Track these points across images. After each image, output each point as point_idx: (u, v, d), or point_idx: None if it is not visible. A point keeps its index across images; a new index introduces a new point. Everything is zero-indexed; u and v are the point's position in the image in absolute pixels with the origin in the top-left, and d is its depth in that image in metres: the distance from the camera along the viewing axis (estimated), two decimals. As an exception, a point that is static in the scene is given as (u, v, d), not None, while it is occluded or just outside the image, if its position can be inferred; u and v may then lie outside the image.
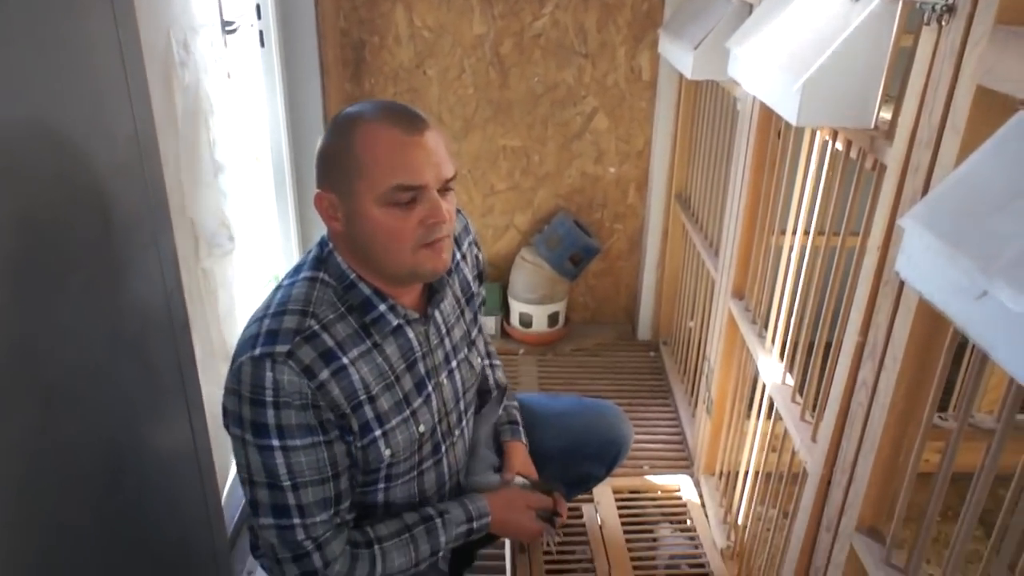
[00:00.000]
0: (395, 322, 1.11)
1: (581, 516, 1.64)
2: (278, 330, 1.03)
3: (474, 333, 1.29)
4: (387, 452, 1.10)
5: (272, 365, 1.00)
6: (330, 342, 1.05)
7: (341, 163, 1.04)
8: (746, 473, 1.66)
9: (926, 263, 0.72)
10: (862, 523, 1.11)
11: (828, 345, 1.27)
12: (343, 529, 1.10)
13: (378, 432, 1.09)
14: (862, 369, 1.10)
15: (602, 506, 1.65)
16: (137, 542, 1.18)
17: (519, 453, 1.36)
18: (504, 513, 1.24)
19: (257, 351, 1.02)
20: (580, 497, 1.69)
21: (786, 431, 1.41)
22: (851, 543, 1.13)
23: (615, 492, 1.70)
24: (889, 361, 1.03)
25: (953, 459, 0.92)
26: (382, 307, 1.10)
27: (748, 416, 1.69)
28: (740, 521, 1.67)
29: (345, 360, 1.05)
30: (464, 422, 1.27)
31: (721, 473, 1.91)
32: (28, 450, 0.89)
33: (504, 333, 2.69)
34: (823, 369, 1.28)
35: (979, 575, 0.89)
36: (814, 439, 1.29)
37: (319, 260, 1.11)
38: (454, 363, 1.22)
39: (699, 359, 2.17)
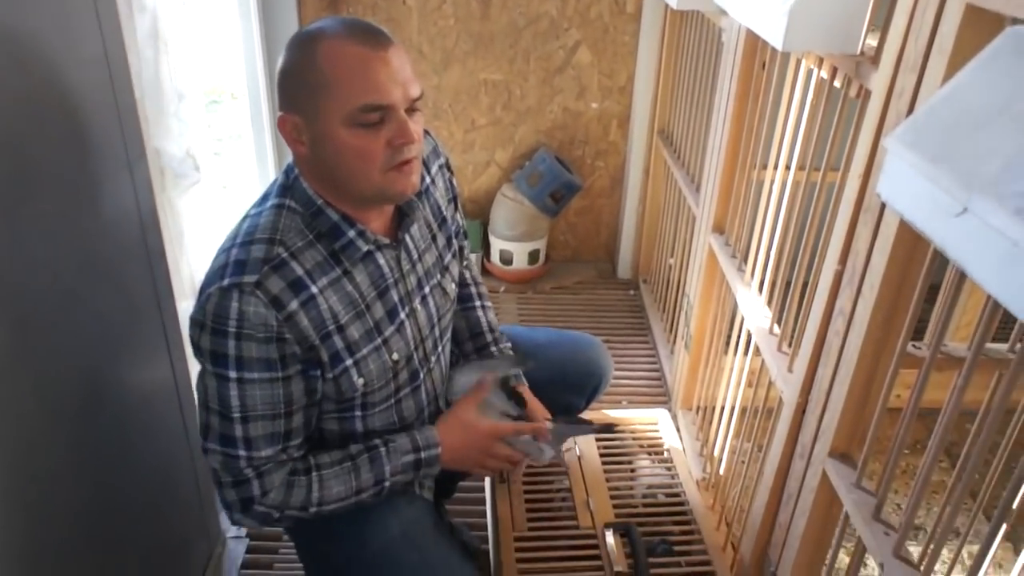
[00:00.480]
0: (364, 248, 1.10)
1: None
2: (246, 260, 1.02)
3: (448, 259, 1.28)
4: (360, 381, 1.10)
5: (239, 296, 0.99)
6: (299, 271, 1.04)
7: (305, 83, 1.00)
8: (723, 408, 1.69)
9: (907, 183, 0.72)
10: (835, 449, 1.14)
11: (806, 284, 1.28)
12: (287, 463, 1.10)
13: (349, 362, 1.09)
14: (839, 298, 1.11)
15: (581, 438, 1.67)
16: (117, 472, 1.18)
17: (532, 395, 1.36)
18: (458, 446, 1.20)
19: (225, 282, 1.00)
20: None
21: (763, 363, 1.42)
22: (823, 468, 1.15)
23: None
24: (867, 289, 1.04)
25: (924, 384, 0.93)
26: (351, 233, 1.08)
27: (726, 352, 1.71)
28: (716, 454, 1.70)
29: (314, 289, 1.04)
30: (440, 348, 1.27)
31: (698, 408, 1.94)
32: (3, 379, 0.88)
33: (485, 271, 2.68)
34: (800, 304, 1.29)
35: (942, 503, 0.92)
36: (790, 369, 1.31)
37: (285, 187, 1.09)
38: (427, 289, 1.22)
39: (678, 296, 2.18)
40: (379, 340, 1.12)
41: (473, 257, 2.63)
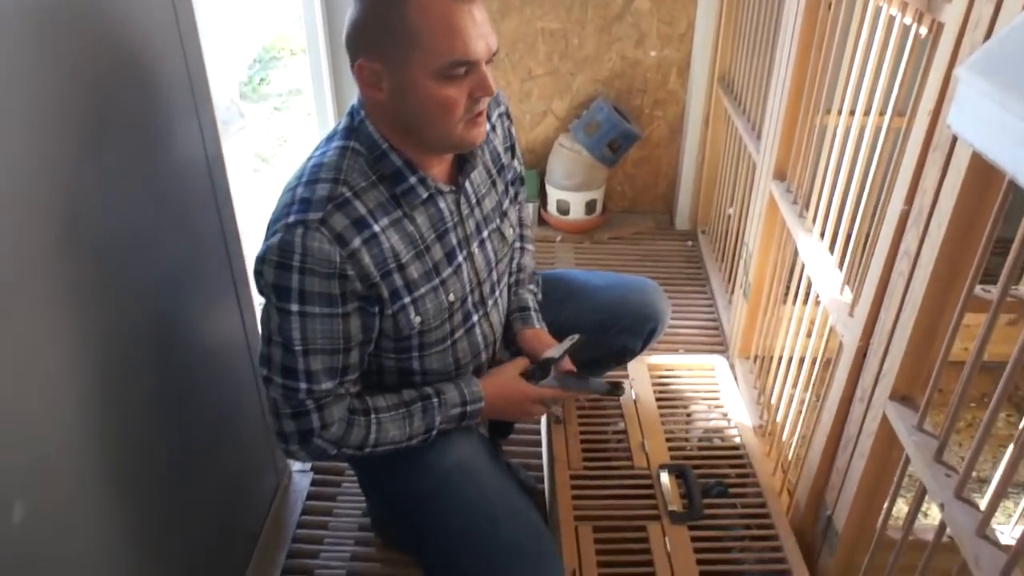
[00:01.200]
0: (425, 194, 1.12)
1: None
2: (311, 198, 1.05)
3: (506, 204, 1.30)
4: (416, 319, 1.13)
5: (304, 232, 1.02)
6: (362, 209, 1.07)
7: (391, 31, 1.01)
8: (781, 357, 1.68)
9: (979, 111, 0.70)
10: (896, 391, 1.13)
11: (868, 231, 1.25)
12: (345, 398, 1.14)
13: (407, 299, 1.12)
14: (905, 237, 1.09)
15: (637, 382, 1.68)
16: (189, 408, 1.24)
17: (529, 341, 1.35)
18: (499, 403, 1.26)
19: (291, 218, 1.04)
20: (615, 372, 1.72)
21: (823, 310, 1.40)
22: (884, 411, 1.14)
23: (650, 369, 1.73)
24: (933, 228, 1.01)
25: (992, 326, 0.91)
26: (412, 179, 1.11)
27: (785, 301, 1.69)
28: (773, 402, 1.70)
29: (376, 228, 1.07)
30: (497, 292, 1.29)
31: (756, 357, 1.92)
32: (84, 315, 0.93)
33: (541, 220, 2.69)
34: (864, 249, 1.26)
35: (1008, 457, 0.90)
36: (851, 313, 1.29)
37: (350, 129, 1.12)
38: (485, 233, 1.24)
39: (737, 246, 2.15)
40: (437, 280, 1.15)
41: (530, 207, 2.64)
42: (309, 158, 1.13)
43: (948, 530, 0.97)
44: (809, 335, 1.51)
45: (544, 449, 1.63)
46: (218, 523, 1.38)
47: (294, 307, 1.05)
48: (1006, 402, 1.22)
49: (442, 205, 1.16)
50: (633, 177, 2.75)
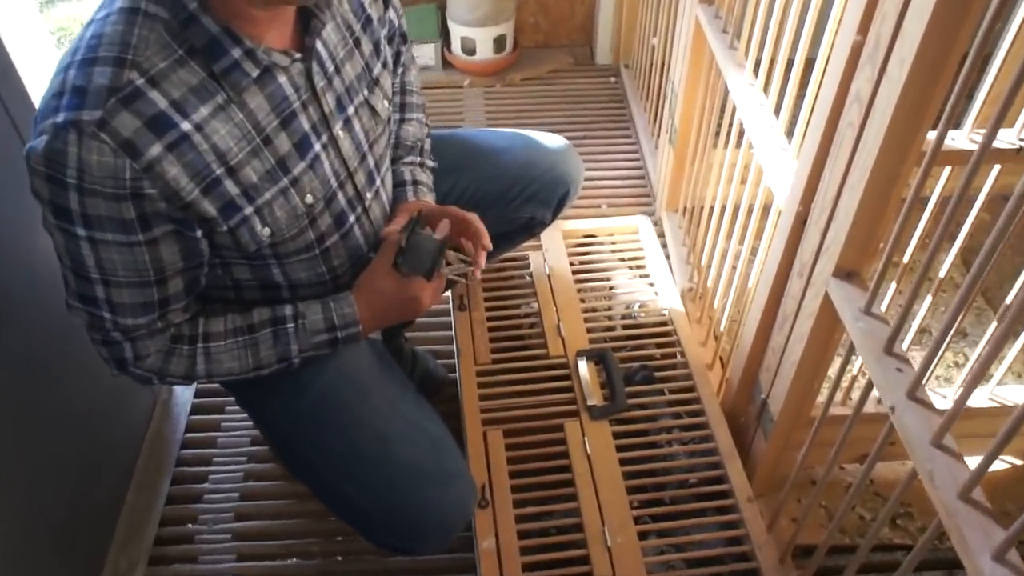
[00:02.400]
0: (255, 71, 0.83)
1: (528, 265, 1.47)
2: (86, 88, 0.76)
3: (376, 69, 1.02)
4: (265, 231, 0.88)
5: (79, 139, 0.74)
6: (162, 103, 0.78)
7: None
8: (712, 208, 1.48)
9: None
10: (840, 268, 0.94)
11: (811, 64, 1.02)
12: (166, 330, 0.91)
13: (249, 210, 0.86)
14: (856, 78, 0.87)
15: (551, 253, 1.48)
16: (27, 320, 1.00)
17: (407, 208, 1.09)
18: (379, 314, 1.00)
19: (60, 117, 0.75)
20: (526, 245, 1.51)
21: (758, 162, 1.20)
22: (826, 289, 0.96)
23: (566, 238, 1.52)
24: (894, 66, 0.79)
25: (973, 178, 0.72)
26: (235, 52, 0.81)
27: (716, 145, 1.47)
28: (704, 261, 1.52)
29: (186, 126, 0.79)
30: (377, 181, 1.04)
31: (685, 209, 1.73)
32: None
33: (445, 63, 2.37)
34: (804, 90, 1.04)
35: (951, 307, 0.73)
36: (790, 170, 1.09)
37: None
38: (351, 109, 0.96)
39: (662, 83, 1.90)
40: (285, 180, 0.88)
41: (430, 48, 2.31)
42: (88, 24, 0.82)
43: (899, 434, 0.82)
44: (744, 181, 1.29)
45: (453, 340, 1.44)
46: (89, 447, 1.22)
47: (80, 231, 0.79)
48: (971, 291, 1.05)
49: (283, 80, 0.86)
50: (546, 6, 2.41)
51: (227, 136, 0.82)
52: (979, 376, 0.72)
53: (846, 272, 0.95)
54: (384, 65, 1.04)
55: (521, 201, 1.26)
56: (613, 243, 1.55)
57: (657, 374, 1.32)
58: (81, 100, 0.75)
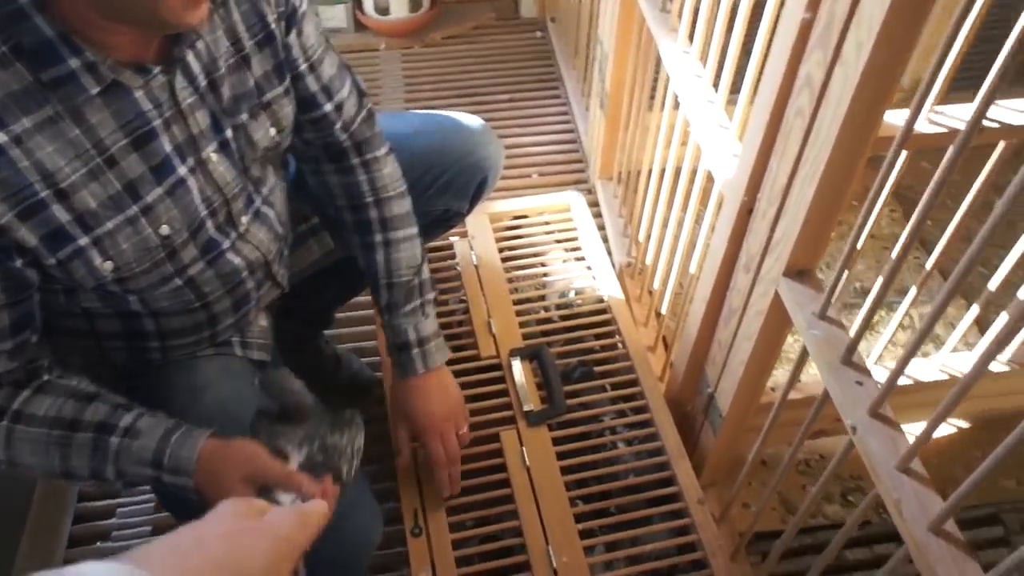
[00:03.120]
0: (95, 88, 0.68)
1: (453, 256, 1.36)
2: None
3: (271, 93, 0.85)
4: (106, 265, 0.74)
5: None
6: None
7: None
8: (649, 172, 1.37)
9: None
10: (792, 267, 0.86)
11: (753, 36, 0.92)
12: None
13: (84, 241, 0.71)
14: (806, 61, 0.77)
15: (478, 240, 1.37)
16: None
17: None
18: (214, 484, 0.76)
19: None
20: (451, 232, 1.40)
21: (696, 144, 1.10)
22: (776, 288, 0.88)
23: (493, 221, 1.41)
24: (850, 50, 0.69)
25: (957, 159, 0.63)
26: (72, 63, 0.66)
27: (651, 108, 1.36)
28: (643, 234, 1.43)
29: (2, 137, 0.65)
30: (257, 202, 0.88)
31: (620, 177, 1.63)
32: None
33: (358, 25, 2.19)
34: (746, 66, 0.94)
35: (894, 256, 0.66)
36: (731, 151, 0.99)
37: None
38: (229, 132, 0.81)
39: (591, 40, 1.78)
40: (135, 208, 0.73)
41: (340, 9, 2.12)
42: None
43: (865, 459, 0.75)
44: (685, 143, 1.19)
45: (379, 347, 1.33)
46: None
47: None
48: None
49: (139, 95, 0.72)
50: (465, -45, 2.25)
51: (56, 154, 0.67)
52: (916, 346, 0.65)
53: (797, 271, 0.87)
54: (287, 93, 0.87)
55: (434, 192, 1.13)
56: (545, 223, 1.45)
57: (597, 368, 1.23)
58: None
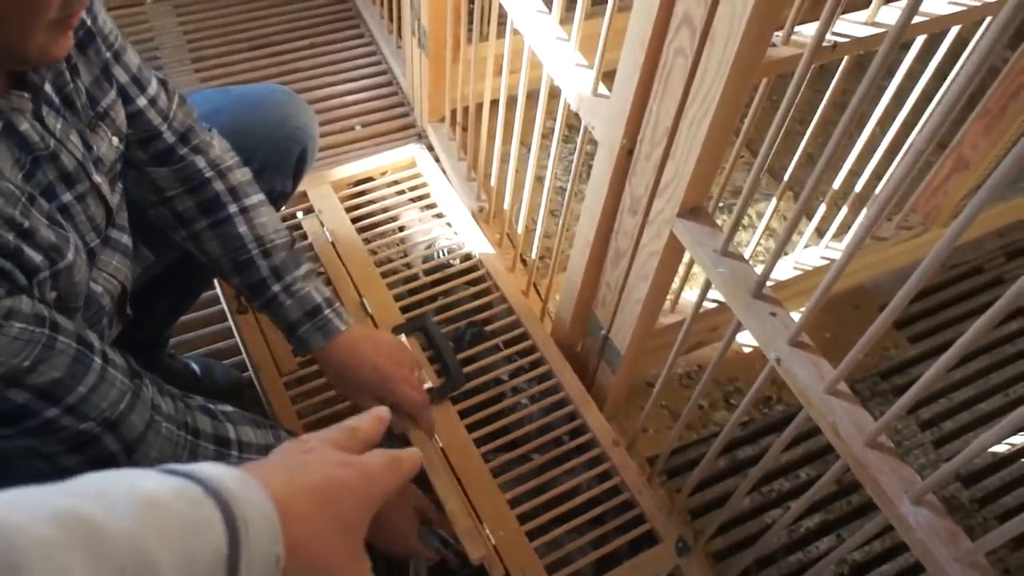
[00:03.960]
0: None
1: (305, 236, 1.24)
2: None
3: (106, 101, 0.73)
4: (52, 295, 0.65)
5: None
6: None
7: None
8: (491, 104, 1.30)
9: None
10: (685, 206, 0.86)
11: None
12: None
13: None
14: (681, 1, 0.74)
15: (326, 214, 1.26)
16: None
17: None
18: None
19: None
20: (294, 208, 1.28)
21: (549, 77, 1.05)
22: (671, 230, 0.88)
23: (337, 189, 1.30)
24: (736, -12, 0.67)
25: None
26: None
27: (481, 38, 1.29)
28: (495, 175, 1.38)
29: None
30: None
31: (454, 119, 1.56)
32: None
33: (113, -24, 1.90)
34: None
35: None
36: (595, 91, 0.96)
37: None
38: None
39: (391, -29, 1.66)
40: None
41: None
42: None
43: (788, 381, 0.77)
44: (516, 71, 1.13)
45: (240, 346, 1.20)
46: None
47: None
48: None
49: (24, 127, 0.62)
50: None
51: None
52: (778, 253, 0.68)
53: (691, 209, 0.86)
54: (118, 95, 0.75)
55: (254, 174, 1.01)
56: (394, 183, 1.36)
57: (487, 328, 1.20)
58: None
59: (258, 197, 0.90)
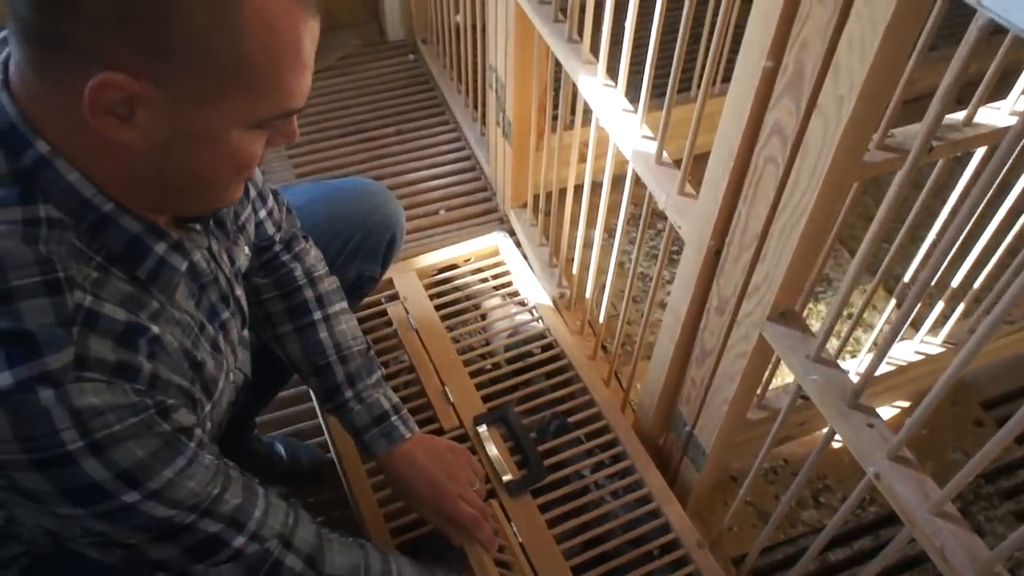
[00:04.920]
0: (183, 266, 0.64)
1: (389, 323, 1.27)
2: (27, 331, 0.52)
3: (245, 213, 0.80)
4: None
5: (57, 393, 0.52)
6: (120, 314, 0.57)
7: (206, 53, 0.52)
8: (574, 189, 1.31)
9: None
10: (776, 309, 0.84)
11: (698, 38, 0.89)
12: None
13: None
14: (773, 108, 0.74)
15: (411, 301, 1.29)
16: None
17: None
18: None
19: (10, 382, 0.51)
20: (379, 295, 1.31)
21: (634, 170, 1.06)
22: (760, 333, 0.86)
23: (421, 277, 1.33)
24: (829, 103, 0.67)
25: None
26: (159, 248, 0.61)
27: (567, 126, 1.31)
28: (576, 264, 1.39)
29: (155, 328, 0.60)
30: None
31: (536, 206, 1.58)
32: None
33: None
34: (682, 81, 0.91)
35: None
36: (682, 190, 0.96)
37: (21, 176, 0.54)
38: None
39: (476, 64, 1.72)
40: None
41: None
42: None
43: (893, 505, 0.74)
44: (601, 156, 1.15)
45: (326, 434, 1.22)
46: None
47: (129, 496, 0.57)
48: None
49: (197, 258, 0.67)
50: (320, -18, 2.12)
51: (178, 338, 0.64)
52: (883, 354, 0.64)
53: (780, 312, 0.85)
54: (252, 206, 0.82)
55: (344, 260, 1.04)
56: (477, 270, 1.39)
57: (568, 418, 1.19)
58: (32, 349, 0.52)
59: (341, 305, 0.93)
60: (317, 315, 0.91)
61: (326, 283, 0.93)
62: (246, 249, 0.79)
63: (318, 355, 0.90)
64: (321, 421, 1.24)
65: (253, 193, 0.82)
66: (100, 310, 0.56)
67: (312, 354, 0.90)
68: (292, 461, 1.27)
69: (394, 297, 1.31)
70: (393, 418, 0.91)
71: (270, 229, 0.86)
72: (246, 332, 0.82)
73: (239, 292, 0.75)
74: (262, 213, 0.84)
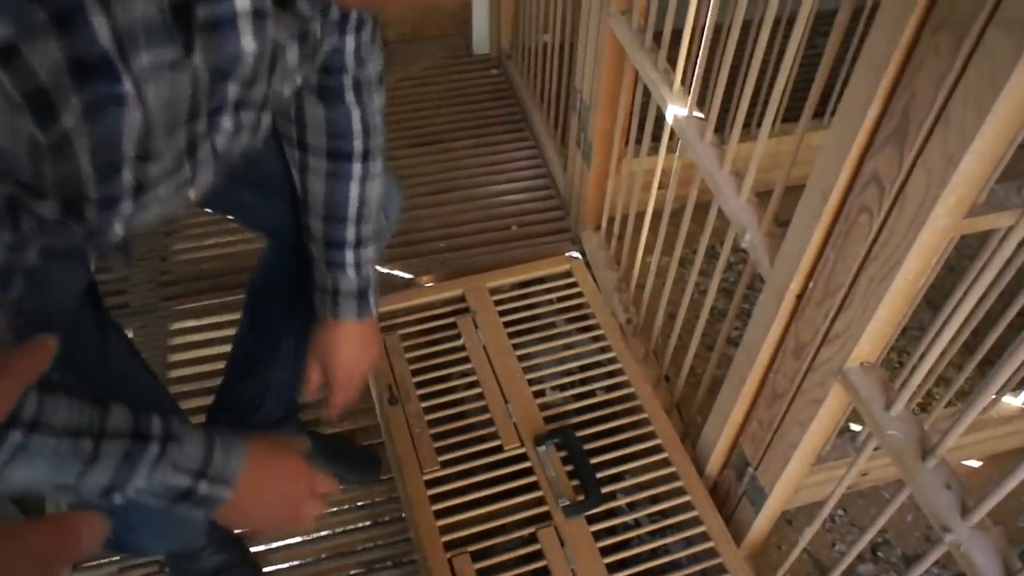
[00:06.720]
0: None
1: (458, 336, 1.29)
2: None
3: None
4: None
5: None
6: None
7: None
8: (652, 213, 1.30)
9: None
10: (856, 359, 0.83)
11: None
12: None
13: None
14: (873, 156, 0.73)
15: (480, 316, 1.30)
16: None
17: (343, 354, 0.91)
18: (256, 495, 0.69)
19: None
20: (450, 309, 1.32)
21: (720, 208, 1.06)
22: (840, 380, 0.85)
23: (493, 294, 1.34)
24: (936, 158, 0.65)
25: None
26: None
27: (649, 151, 1.31)
28: (647, 291, 1.38)
29: None
30: None
31: (610, 229, 1.58)
32: None
33: (307, 71, 2.08)
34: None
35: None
36: (768, 232, 0.95)
37: None
38: None
39: (561, 84, 1.73)
40: None
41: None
42: None
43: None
44: (687, 184, 1.14)
45: (385, 437, 1.24)
46: None
47: None
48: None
49: None
50: (412, -7, 2.16)
51: None
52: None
53: (861, 362, 0.83)
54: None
55: None
56: (547, 291, 1.39)
57: (627, 448, 1.18)
58: None
59: (382, 165, 0.89)
60: (357, 168, 0.86)
61: (379, 139, 0.87)
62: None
63: (340, 205, 0.86)
64: (381, 423, 1.25)
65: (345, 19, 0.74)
66: None
67: (334, 203, 0.86)
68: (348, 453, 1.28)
69: (464, 311, 1.32)
70: (371, 295, 0.90)
71: (348, 61, 0.79)
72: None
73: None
74: (349, 42, 0.77)
